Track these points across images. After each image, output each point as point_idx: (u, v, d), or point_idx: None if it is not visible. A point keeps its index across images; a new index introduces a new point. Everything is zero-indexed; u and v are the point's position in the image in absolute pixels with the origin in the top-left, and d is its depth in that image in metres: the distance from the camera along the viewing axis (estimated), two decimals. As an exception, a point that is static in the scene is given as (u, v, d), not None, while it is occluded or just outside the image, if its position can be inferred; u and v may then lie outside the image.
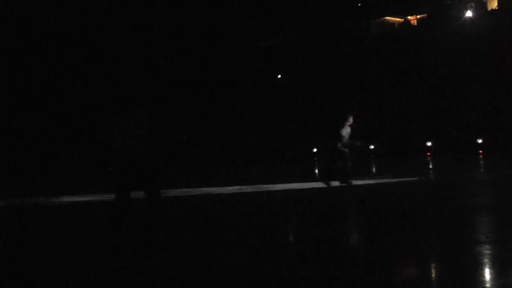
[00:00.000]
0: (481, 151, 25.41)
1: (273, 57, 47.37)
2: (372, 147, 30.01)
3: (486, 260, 6.05)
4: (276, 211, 11.06)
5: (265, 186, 15.86)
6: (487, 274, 5.59)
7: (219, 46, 48.58)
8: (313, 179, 17.26)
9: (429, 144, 27.52)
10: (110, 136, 6.87)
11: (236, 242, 7.65)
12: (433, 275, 5.83)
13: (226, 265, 6.25)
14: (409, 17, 48.69)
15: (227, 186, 16.55)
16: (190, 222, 9.89)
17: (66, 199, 15.91)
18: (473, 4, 43.40)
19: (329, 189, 13.70)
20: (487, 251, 6.38)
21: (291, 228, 9.40)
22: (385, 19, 49.50)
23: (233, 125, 39.16)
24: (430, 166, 21.50)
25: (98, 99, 36.14)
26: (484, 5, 43.93)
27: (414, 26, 47.42)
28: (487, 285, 5.27)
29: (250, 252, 6.97)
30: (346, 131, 13.36)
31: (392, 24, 49.32)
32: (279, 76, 46.62)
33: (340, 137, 13.37)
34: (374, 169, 21.60)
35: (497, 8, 42.21)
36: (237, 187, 16.01)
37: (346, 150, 13.55)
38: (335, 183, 13.80)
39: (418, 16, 48.00)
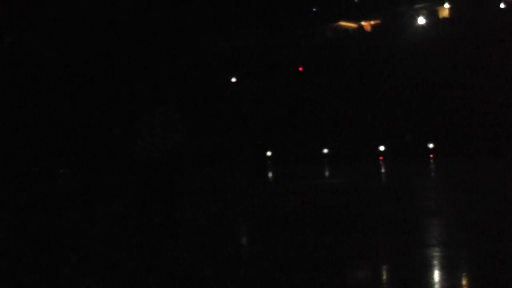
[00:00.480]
0: (432, 156, 25.91)
1: (229, 60, 47.07)
2: (326, 151, 30.20)
3: (435, 262, 6.17)
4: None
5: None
6: (436, 276, 5.69)
7: (174, 46, 48.00)
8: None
9: (381, 148, 27.86)
10: (139, 134, 7.25)
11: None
12: (383, 277, 5.90)
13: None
14: (363, 23, 49.17)
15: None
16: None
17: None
18: (425, 12, 44.24)
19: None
20: (436, 254, 6.50)
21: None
22: (339, 24, 49.89)
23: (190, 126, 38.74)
24: (382, 170, 21.82)
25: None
26: (436, 13, 44.82)
27: (367, 31, 47.92)
28: (436, 286, 5.37)
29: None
30: None
31: (346, 29, 49.76)
32: (233, 79, 46.38)
33: None
34: (326, 172, 21.80)
35: (448, 16, 43.16)
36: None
37: None
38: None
39: (372, 22, 48.54)
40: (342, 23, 49.73)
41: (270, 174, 24.15)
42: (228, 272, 6.34)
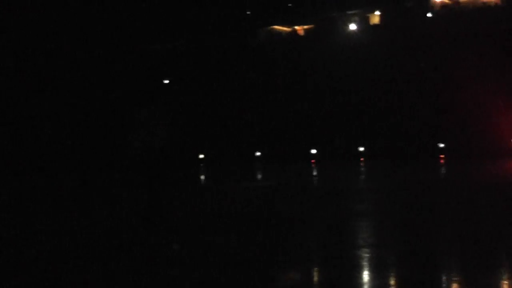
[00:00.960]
0: (362, 158, 26.44)
1: (163, 61, 46.64)
2: (258, 153, 30.31)
3: (364, 263, 6.24)
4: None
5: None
6: (365, 276, 5.75)
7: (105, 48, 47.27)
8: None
9: (313, 151, 28.20)
10: (132, 130, 8.20)
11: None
12: (314, 278, 5.91)
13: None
14: (296, 27, 49.73)
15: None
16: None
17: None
18: (357, 19, 45.22)
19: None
20: (366, 254, 6.58)
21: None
22: (273, 28, 50.28)
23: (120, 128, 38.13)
24: (314, 173, 22.05)
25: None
26: (367, 20, 45.85)
27: (301, 36, 48.48)
28: (365, 287, 5.42)
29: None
30: None
31: (280, 33, 50.20)
32: (167, 81, 45.99)
33: None
34: (257, 175, 21.84)
35: (379, 23, 44.24)
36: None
37: None
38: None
39: (305, 27, 49.15)
40: (276, 26, 50.16)
41: (202, 177, 23.98)
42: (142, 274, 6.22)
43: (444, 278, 5.70)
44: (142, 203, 8.55)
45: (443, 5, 41.67)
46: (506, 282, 5.35)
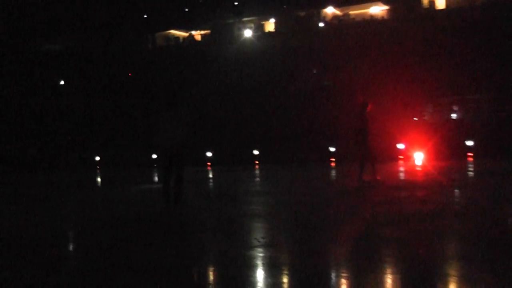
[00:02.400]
0: (257, 162, 26.70)
1: (57, 62, 45.28)
2: (154, 156, 29.85)
3: (258, 262, 6.23)
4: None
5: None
6: (258, 275, 5.74)
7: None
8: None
9: (209, 154, 28.15)
10: (158, 129, 10.48)
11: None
12: (210, 278, 5.85)
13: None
14: (193, 32, 49.84)
15: None
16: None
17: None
18: (252, 26, 45.91)
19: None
20: (260, 254, 6.58)
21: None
22: (170, 33, 50.04)
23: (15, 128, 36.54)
24: (210, 176, 22.01)
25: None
26: (262, 27, 46.68)
27: (198, 40, 48.60)
28: (259, 284, 5.40)
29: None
30: None
31: (177, 37, 50.04)
32: (61, 82, 44.62)
33: None
34: (155, 177, 21.55)
35: (273, 30, 45.19)
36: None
37: None
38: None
39: (202, 32, 49.34)
40: (173, 31, 49.95)
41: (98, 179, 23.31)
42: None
43: (334, 274, 5.79)
44: (163, 183, 10.61)
45: (334, 16, 43.18)
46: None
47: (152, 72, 39.63)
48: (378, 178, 13.37)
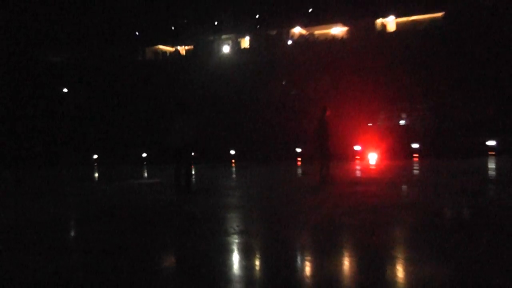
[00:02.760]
0: (233, 160, 26.82)
1: (60, 72, 45.05)
2: (144, 155, 29.72)
3: (233, 247, 6.26)
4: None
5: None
6: (234, 258, 5.77)
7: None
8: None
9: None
10: (171, 131, 11.12)
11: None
12: (189, 261, 5.85)
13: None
14: (178, 47, 49.77)
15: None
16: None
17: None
18: (230, 42, 45.94)
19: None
20: (235, 240, 6.61)
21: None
22: (158, 47, 49.79)
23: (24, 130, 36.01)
24: (192, 172, 21.93)
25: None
26: (239, 44, 46.73)
27: (182, 55, 48.45)
28: (235, 266, 5.44)
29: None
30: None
31: (164, 52, 49.84)
32: (65, 89, 44.07)
33: None
34: (145, 173, 21.38)
35: (248, 47, 45.25)
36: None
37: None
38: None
39: (186, 47, 49.23)
40: (161, 46, 49.68)
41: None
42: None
43: (299, 257, 5.85)
44: (175, 177, 11.27)
45: (301, 35, 43.42)
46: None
47: (142, 82, 39.48)
48: (335, 175, 13.44)
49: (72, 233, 8.28)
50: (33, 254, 6.38)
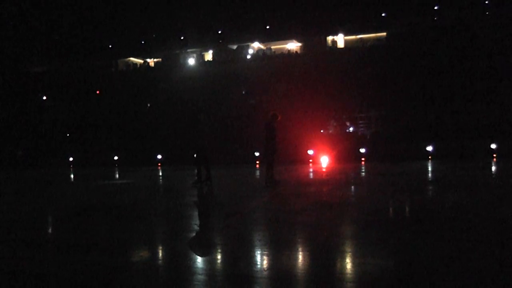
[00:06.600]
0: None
1: (40, 82, 44.21)
2: (116, 157, 29.22)
3: (196, 242, 6.16)
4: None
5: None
6: (196, 252, 5.67)
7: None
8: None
9: (159, 157, 27.83)
10: (194, 133, 12.58)
11: None
12: (154, 256, 5.72)
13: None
14: (148, 60, 49.36)
15: None
16: None
17: None
18: (195, 55, 45.73)
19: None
20: (198, 235, 6.52)
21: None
22: (130, 59, 49.17)
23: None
24: (159, 174, 21.61)
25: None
26: (203, 57, 46.57)
27: (151, 66, 48.05)
28: (198, 259, 5.33)
29: None
30: None
31: (135, 63, 49.26)
32: (44, 97, 43.03)
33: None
34: (117, 175, 20.94)
35: (211, 59, 45.15)
36: None
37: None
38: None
39: (155, 60, 48.84)
40: (132, 58, 49.06)
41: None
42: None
43: (256, 252, 5.77)
44: (197, 169, 12.73)
45: (259, 49, 43.64)
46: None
47: (115, 90, 39.07)
48: (276, 178, 12.98)
49: (49, 230, 7.97)
50: (7, 247, 6.14)
